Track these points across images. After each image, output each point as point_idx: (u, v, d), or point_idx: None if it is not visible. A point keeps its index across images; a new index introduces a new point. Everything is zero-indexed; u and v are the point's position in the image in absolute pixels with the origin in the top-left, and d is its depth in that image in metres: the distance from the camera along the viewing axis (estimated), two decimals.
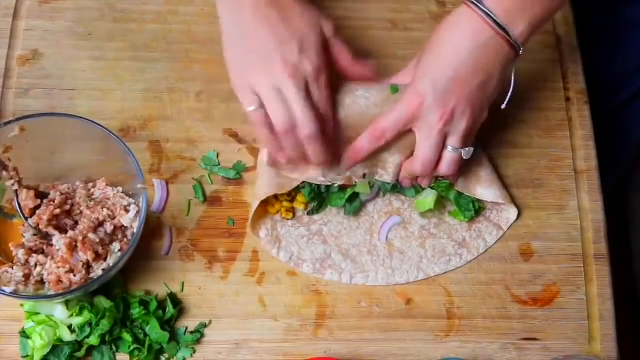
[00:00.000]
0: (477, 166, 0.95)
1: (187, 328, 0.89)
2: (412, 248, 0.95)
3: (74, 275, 0.83)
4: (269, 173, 0.93)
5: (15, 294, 0.81)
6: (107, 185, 0.89)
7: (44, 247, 0.86)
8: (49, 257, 0.84)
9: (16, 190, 0.86)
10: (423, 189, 0.95)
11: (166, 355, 0.88)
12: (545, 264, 0.96)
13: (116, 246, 0.86)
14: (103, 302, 0.87)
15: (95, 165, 0.89)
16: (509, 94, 0.87)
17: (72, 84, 0.99)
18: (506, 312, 0.93)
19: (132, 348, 0.86)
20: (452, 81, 0.83)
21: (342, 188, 0.94)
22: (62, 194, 0.87)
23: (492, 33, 0.82)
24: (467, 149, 0.88)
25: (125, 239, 0.87)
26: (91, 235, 0.84)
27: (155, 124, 0.98)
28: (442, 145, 0.87)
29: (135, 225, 0.86)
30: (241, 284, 0.92)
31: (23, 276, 0.83)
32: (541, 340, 0.92)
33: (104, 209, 0.87)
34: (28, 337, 0.85)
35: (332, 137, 0.88)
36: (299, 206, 0.95)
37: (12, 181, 0.85)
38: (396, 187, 0.95)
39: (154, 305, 0.88)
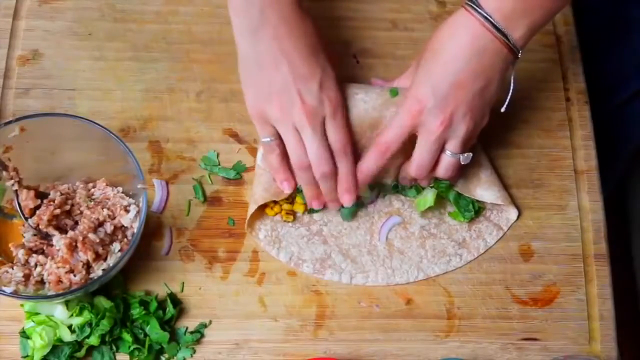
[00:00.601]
0: (476, 167, 0.95)
1: (187, 328, 0.89)
2: (412, 248, 0.95)
3: (74, 276, 0.83)
4: (266, 177, 0.93)
5: (15, 294, 0.81)
6: (107, 185, 0.89)
7: (44, 247, 0.86)
8: (49, 257, 0.84)
9: (16, 190, 0.86)
10: (423, 189, 0.95)
11: (166, 355, 0.88)
12: (545, 264, 0.96)
13: (116, 246, 0.86)
14: (103, 302, 0.87)
15: (95, 165, 0.89)
16: (508, 97, 0.87)
17: (72, 84, 0.99)
18: (506, 312, 0.93)
19: (132, 348, 0.86)
20: (452, 87, 0.83)
21: None
22: (62, 194, 0.87)
23: (491, 37, 0.81)
24: (465, 154, 0.88)
25: (125, 239, 0.87)
26: (91, 236, 0.84)
27: (155, 124, 0.98)
28: (440, 150, 0.87)
29: (135, 225, 0.86)
30: (241, 284, 0.92)
31: (23, 276, 0.83)
32: (541, 340, 0.92)
33: (104, 209, 0.87)
34: (28, 337, 0.85)
35: (355, 162, 0.89)
36: (299, 208, 0.95)
37: (12, 181, 0.85)
38: (396, 187, 0.95)
39: (154, 305, 0.88)
